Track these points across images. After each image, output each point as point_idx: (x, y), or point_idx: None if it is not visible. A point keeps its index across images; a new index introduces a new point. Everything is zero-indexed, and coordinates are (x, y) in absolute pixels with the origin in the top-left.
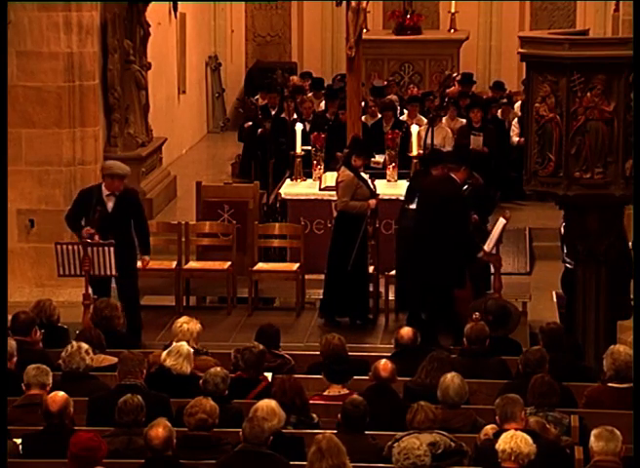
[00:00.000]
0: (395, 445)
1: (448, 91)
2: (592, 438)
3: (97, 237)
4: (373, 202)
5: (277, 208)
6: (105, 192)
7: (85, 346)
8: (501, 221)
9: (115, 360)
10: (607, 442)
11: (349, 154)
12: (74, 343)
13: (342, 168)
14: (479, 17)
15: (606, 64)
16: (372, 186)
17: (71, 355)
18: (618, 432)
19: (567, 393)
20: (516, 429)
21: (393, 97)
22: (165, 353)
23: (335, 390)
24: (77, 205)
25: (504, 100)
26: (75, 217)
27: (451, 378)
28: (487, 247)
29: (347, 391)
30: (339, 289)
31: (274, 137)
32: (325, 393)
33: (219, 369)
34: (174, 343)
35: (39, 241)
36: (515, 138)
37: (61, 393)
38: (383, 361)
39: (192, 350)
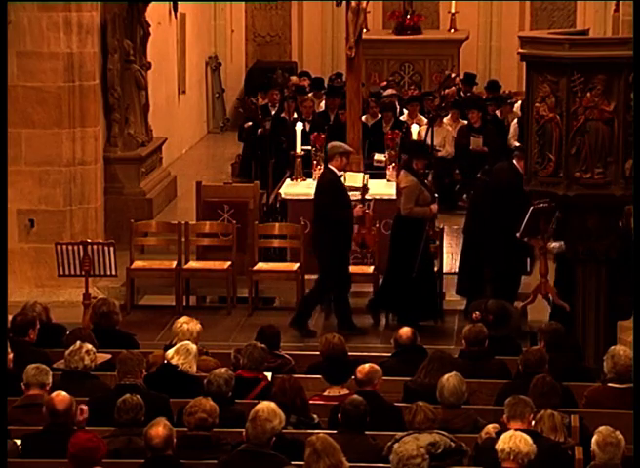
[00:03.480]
0: (392, 451)
1: (446, 91)
2: (595, 445)
3: None
4: (435, 207)
5: (277, 208)
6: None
7: (87, 346)
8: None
9: (109, 356)
10: (610, 456)
11: (410, 158)
12: (77, 343)
13: (404, 172)
14: (479, 17)
15: (606, 64)
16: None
17: (71, 353)
18: (622, 441)
19: (567, 393)
20: (520, 429)
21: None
22: (172, 351)
23: (335, 390)
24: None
25: (507, 96)
26: None
27: (446, 379)
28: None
29: (347, 391)
30: (405, 293)
31: (274, 137)
32: (325, 393)
33: (223, 370)
34: (177, 343)
35: (39, 241)
36: (515, 143)
37: (65, 393)
38: (368, 365)
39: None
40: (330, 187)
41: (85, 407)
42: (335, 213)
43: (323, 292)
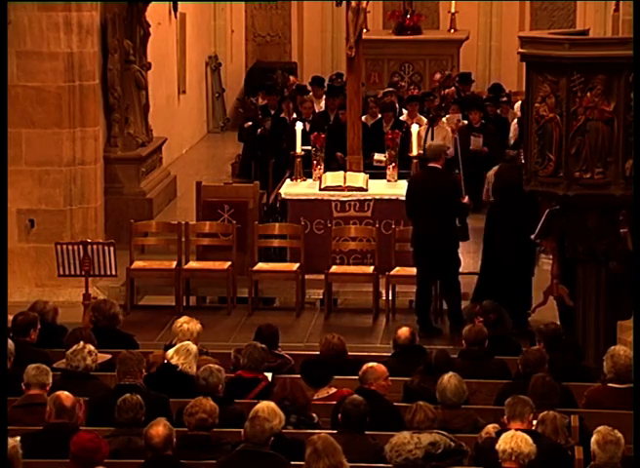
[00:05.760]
0: (388, 441)
1: (446, 91)
2: (595, 445)
3: None
4: None
5: (277, 208)
6: None
7: (90, 347)
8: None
9: (109, 356)
10: (611, 454)
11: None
12: (81, 343)
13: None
14: (479, 17)
15: (606, 64)
16: None
17: (74, 353)
18: (622, 439)
19: (567, 393)
20: (520, 429)
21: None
22: (172, 351)
23: (323, 392)
24: None
25: (504, 99)
26: None
27: (447, 379)
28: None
29: (335, 389)
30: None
31: (274, 137)
32: (315, 397)
33: (209, 365)
34: (177, 343)
35: (39, 241)
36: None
37: (68, 393)
38: (370, 364)
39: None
40: (452, 185)
41: (82, 402)
42: (466, 208)
43: (455, 285)
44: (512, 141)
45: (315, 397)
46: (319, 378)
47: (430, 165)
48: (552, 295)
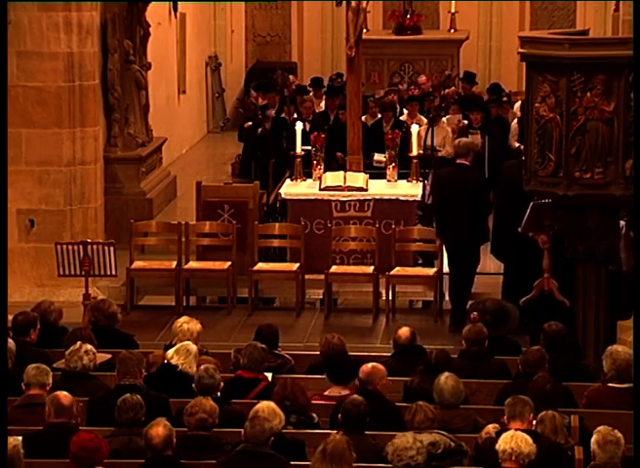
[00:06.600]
0: (389, 444)
1: (446, 91)
2: (595, 445)
3: None
4: None
5: (277, 208)
6: None
7: (87, 346)
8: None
9: (109, 356)
10: (611, 454)
11: None
12: (78, 343)
13: None
14: (479, 17)
15: (606, 64)
16: None
17: (71, 353)
18: (622, 439)
19: (567, 393)
20: (520, 429)
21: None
22: (172, 351)
23: (335, 391)
24: None
25: (504, 99)
26: None
27: (444, 380)
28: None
29: (348, 391)
30: None
31: (274, 137)
32: (325, 393)
33: (206, 365)
34: (177, 343)
35: (39, 241)
36: (515, 143)
37: (66, 392)
38: (371, 364)
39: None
40: (480, 182)
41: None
42: (490, 203)
43: (468, 284)
44: (513, 141)
45: (326, 393)
46: (343, 376)
47: (459, 161)
48: (543, 290)
